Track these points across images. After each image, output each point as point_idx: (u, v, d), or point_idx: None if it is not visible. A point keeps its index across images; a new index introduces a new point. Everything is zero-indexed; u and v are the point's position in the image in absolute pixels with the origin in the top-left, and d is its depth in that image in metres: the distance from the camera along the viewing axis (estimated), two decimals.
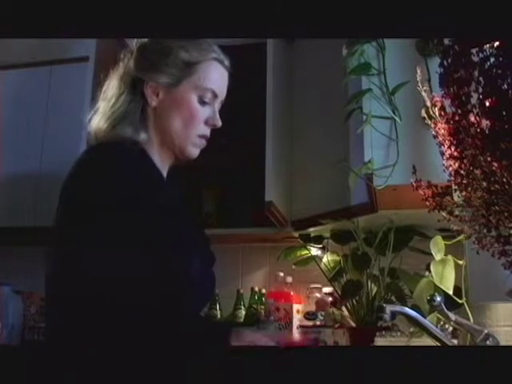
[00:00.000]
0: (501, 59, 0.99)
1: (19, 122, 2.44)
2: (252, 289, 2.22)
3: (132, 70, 1.09)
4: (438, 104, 1.18)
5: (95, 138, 1.08)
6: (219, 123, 1.12)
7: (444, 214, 1.16)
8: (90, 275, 0.89)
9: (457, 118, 1.08)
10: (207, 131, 1.11)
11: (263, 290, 2.22)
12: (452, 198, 1.15)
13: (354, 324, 1.87)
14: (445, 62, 1.09)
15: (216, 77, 1.11)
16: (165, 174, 1.13)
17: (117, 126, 1.05)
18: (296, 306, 2.09)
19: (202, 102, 1.09)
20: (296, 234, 2.13)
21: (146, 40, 1.12)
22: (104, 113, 1.07)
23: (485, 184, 1.04)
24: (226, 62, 1.13)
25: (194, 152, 1.11)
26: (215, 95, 1.10)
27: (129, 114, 1.06)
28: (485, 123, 1.02)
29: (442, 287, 1.11)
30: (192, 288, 1.00)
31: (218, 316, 2.21)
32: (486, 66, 1.01)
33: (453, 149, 1.10)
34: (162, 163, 1.11)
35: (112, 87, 1.10)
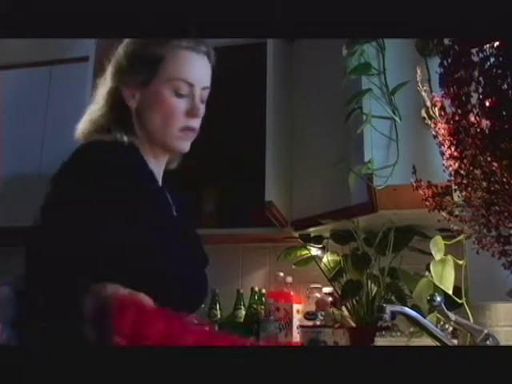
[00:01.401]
0: (501, 59, 0.99)
1: (19, 121, 2.44)
2: (252, 289, 2.22)
3: (109, 77, 1.11)
4: (438, 104, 1.18)
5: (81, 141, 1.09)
6: (200, 112, 1.09)
7: (444, 214, 1.16)
8: (77, 274, 0.90)
9: (457, 118, 1.08)
10: (190, 122, 1.08)
11: (263, 290, 2.22)
12: (452, 198, 1.15)
13: (353, 324, 1.87)
14: (445, 62, 1.09)
15: (187, 65, 1.08)
16: (161, 171, 1.13)
17: (99, 131, 1.07)
18: (296, 306, 2.09)
19: (178, 95, 1.07)
20: (296, 234, 2.13)
21: (117, 52, 1.12)
22: (90, 118, 1.10)
23: (485, 184, 1.04)
24: (202, 47, 1.09)
25: (181, 145, 1.09)
26: (190, 84, 1.07)
27: (113, 121, 1.07)
28: (485, 123, 1.02)
29: (441, 287, 1.11)
30: (182, 288, 1.00)
31: (218, 316, 2.21)
32: (486, 66, 1.01)
33: (453, 149, 1.10)
34: (157, 161, 1.11)
35: (98, 94, 1.12)
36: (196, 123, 1.10)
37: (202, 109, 1.10)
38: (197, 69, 1.09)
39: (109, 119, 1.08)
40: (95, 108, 1.11)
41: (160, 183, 1.13)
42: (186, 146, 1.10)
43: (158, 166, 1.12)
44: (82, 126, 1.11)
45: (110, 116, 1.08)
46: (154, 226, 0.98)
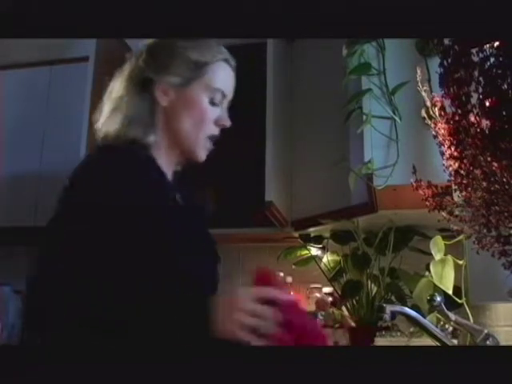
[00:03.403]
0: (501, 59, 0.99)
1: (19, 122, 2.44)
2: None
3: (142, 70, 1.08)
4: (438, 104, 1.18)
5: (104, 140, 1.07)
6: (228, 123, 1.12)
7: (444, 214, 1.16)
8: (87, 278, 0.90)
9: (457, 118, 1.08)
10: (216, 131, 1.11)
11: None
12: (452, 198, 1.15)
13: (354, 324, 1.87)
14: (445, 62, 1.09)
15: (225, 77, 1.11)
16: (170, 174, 1.13)
17: (126, 128, 1.05)
18: None
19: (213, 103, 1.09)
20: (296, 234, 2.13)
21: (155, 40, 1.12)
22: (112, 114, 1.07)
23: (485, 184, 1.04)
24: (232, 62, 1.14)
25: (202, 153, 1.11)
26: (224, 95, 1.11)
27: (138, 116, 1.06)
28: (485, 123, 1.02)
29: (441, 287, 1.11)
30: (193, 287, 1.00)
31: None
32: (486, 66, 1.01)
33: (453, 149, 1.10)
34: (169, 165, 1.11)
35: (119, 88, 1.09)
36: (218, 133, 1.12)
37: (229, 120, 1.12)
38: (231, 82, 1.13)
39: (133, 114, 1.05)
40: (117, 100, 1.08)
41: (170, 177, 1.13)
42: (204, 155, 1.12)
43: (168, 168, 1.11)
44: (103, 123, 1.08)
45: (134, 111, 1.06)
46: (166, 227, 0.98)
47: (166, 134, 1.08)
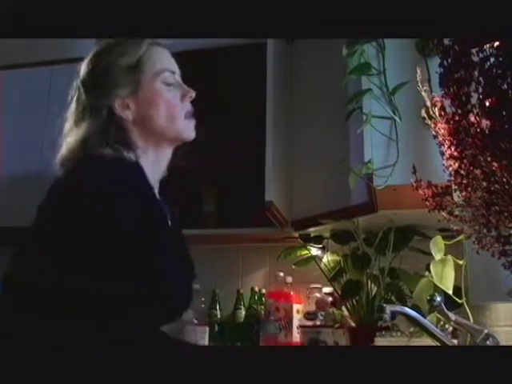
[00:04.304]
0: (501, 59, 0.99)
1: (19, 121, 2.44)
2: (252, 289, 2.22)
3: (90, 101, 1.08)
4: (438, 104, 1.18)
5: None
6: (192, 93, 1.13)
7: (444, 214, 1.16)
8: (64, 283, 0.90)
9: (457, 117, 1.08)
10: (188, 106, 1.12)
11: (263, 290, 2.22)
12: (452, 198, 1.15)
13: (353, 324, 1.87)
14: (445, 62, 1.09)
15: (164, 57, 1.13)
16: (159, 176, 1.13)
17: (111, 150, 1.02)
18: (296, 306, 2.09)
19: (168, 84, 1.10)
20: (296, 234, 2.13)
21: (85, 71, 1.15)
22: (76, 139, 1.07)
23: (485, 184, 1.04)
24: (160, 41, 1.14)
25: (189, 133, 1.12)
26: (172, 72, 1.12)
27: (116, 140, 1.04)
28: (485, 123, 1.02)
29: (441, 287, 1.11)
30: (173, 297, 1.00)
31: (218, 316, 2.21)
32: (486, 66, 1.01)
33: (453, 149, 1.10)
34: (156, 165, 1.11)
35: (78, 115, 1.09)
36: (190, 106, 1.13)
37: (191, 90, 1.13)
38: (170, 58, 1.15)
39: (101, 136, 1.04)
40: (80, 129, 1.06)
41: (157, 192, 1.11)
42: (192, 133, 1.13)
43: (156, 172, 1.11)
44: (66, 147, 1.08)
45: (101, 134, 1.04)
46: (152, 237, 0.97)
47: (144, 140, 1.08)
